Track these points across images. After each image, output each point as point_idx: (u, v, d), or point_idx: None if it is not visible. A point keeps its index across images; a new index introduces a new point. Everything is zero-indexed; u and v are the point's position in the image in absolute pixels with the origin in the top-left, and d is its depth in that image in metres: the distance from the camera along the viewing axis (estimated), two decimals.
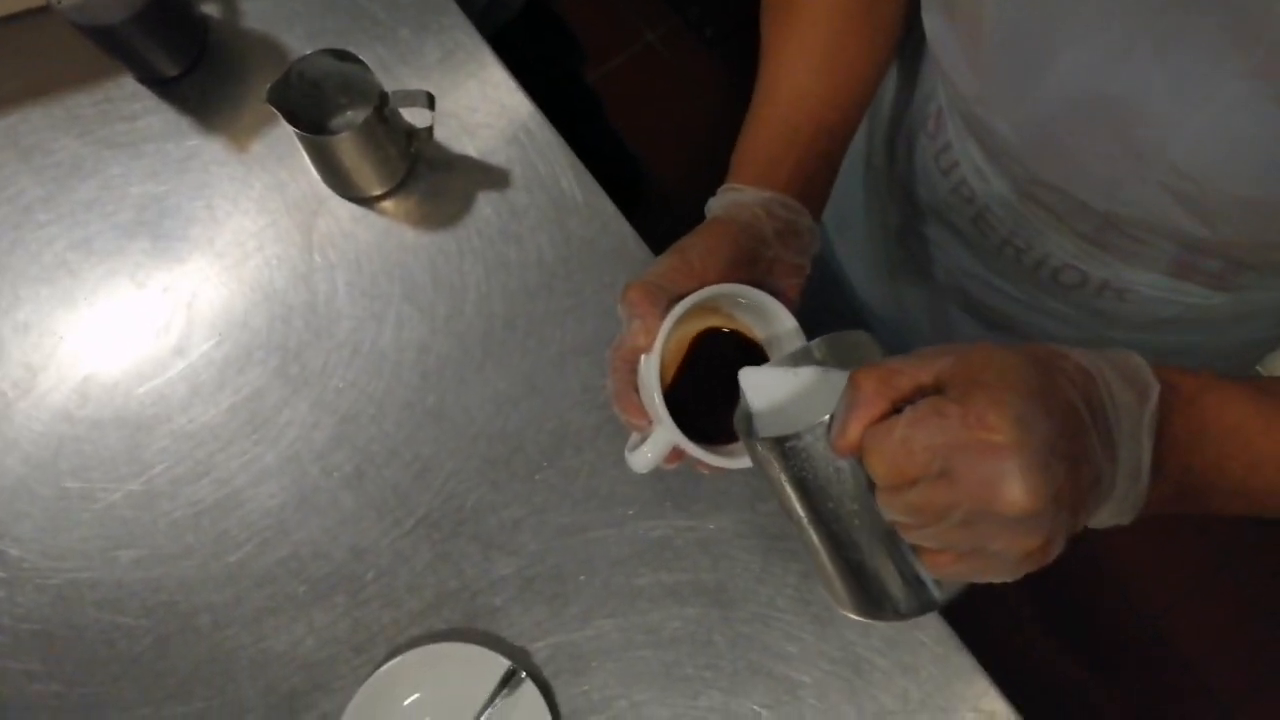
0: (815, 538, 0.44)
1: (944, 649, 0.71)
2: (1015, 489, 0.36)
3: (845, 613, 0.45)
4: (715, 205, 0.59)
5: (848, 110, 0.63)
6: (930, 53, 0.61)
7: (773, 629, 0.72)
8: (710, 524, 0.74)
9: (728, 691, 0.71)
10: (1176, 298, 0.65)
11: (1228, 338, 0.70)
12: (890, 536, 0.42)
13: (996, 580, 0.40)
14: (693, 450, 0.52)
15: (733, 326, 0.57)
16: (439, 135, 0.82)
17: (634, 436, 0.55)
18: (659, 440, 0.52)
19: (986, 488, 0.36)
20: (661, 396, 0.51)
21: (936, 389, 0.39)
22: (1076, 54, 0.50)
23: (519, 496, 0.74)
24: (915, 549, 0.42)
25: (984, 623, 0.74)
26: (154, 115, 0.84)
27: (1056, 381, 0.39)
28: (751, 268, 0.55)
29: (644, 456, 0.53)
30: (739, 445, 0.55)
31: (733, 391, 0.56)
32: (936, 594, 0.43)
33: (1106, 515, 0.42)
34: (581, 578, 0.73)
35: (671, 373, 0.55)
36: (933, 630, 0.71)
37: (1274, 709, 1.51)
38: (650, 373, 0.51)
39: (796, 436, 0.42)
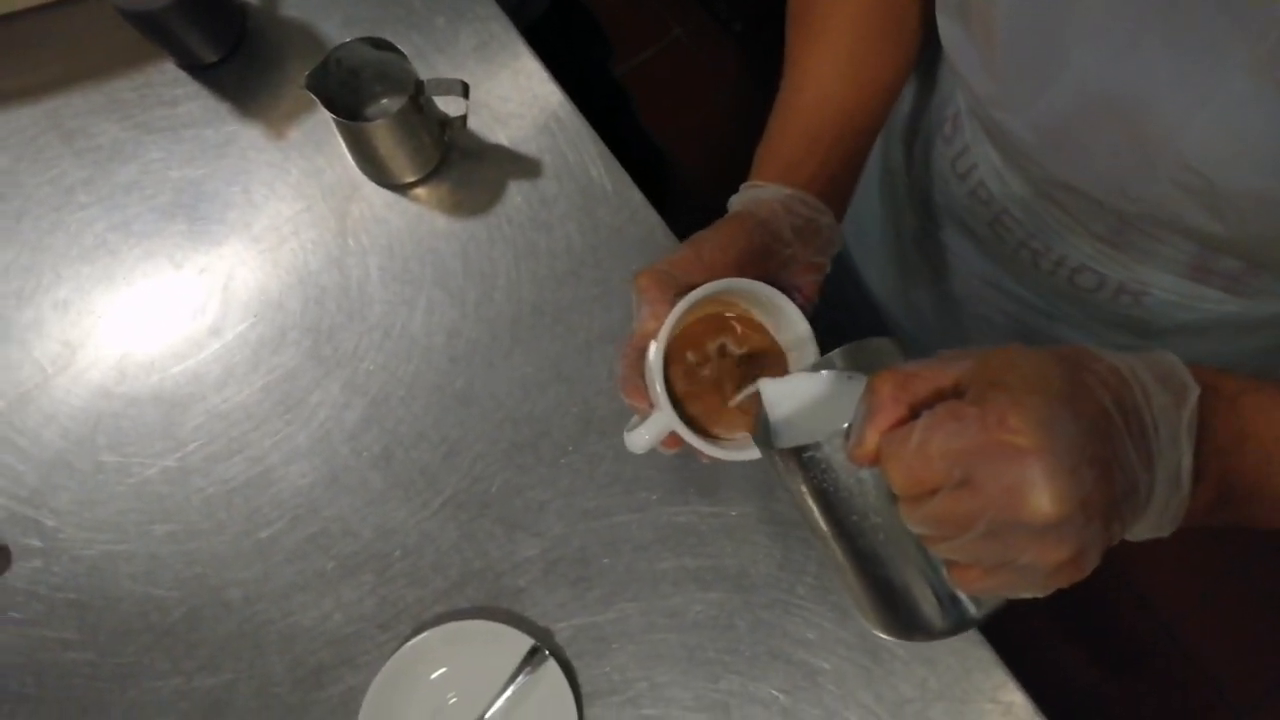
0: (840, 553, 0.43)
1: (963, 641, 0.71)
2: (1041, 495, 0.34)
3: (876, 632, 0.44)
4: (735, 201, 0.60)
5: (870, 116, 0.63)
6: (946, 57, 0.62)
7: (793, 615, 0.72)
8: (733, 510, 0.74)
9: (747, 676, 0.71)
10: (1193, 303, 0.65)
11: (1240, 346, 0.70)
12: (920, 551, 0.40)
13: (1028, 595, 0.39)
14: (689, 437, 0.53)
15: (748, 323, 0.58)
16: (472, 124, 0.83)
17: (635, 418, 0.56)
18: (656, 424, 0.53)
19: (1010, 495, 0.34)
20: (663, 382, 0.52)
21: (957, 393, 0.37)
22: (1086, 52, 0.50)
23: (544, 480, 0.75)
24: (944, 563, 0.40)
25: (1000, 622, 0.74)
26: (193, 101, 0.85)
27: (1085, 383, 0.37)
28: (766, 263, 0.56)
29: (641, 438, 0.54)
30: (742, 437, 0.56)
31: (737, 385, 0.56)
32: (973, 611, 0.41)
33: (1145, 527, 0.40)
34: (605, 561, 0.74)
35: (683, 362, 0.56)
36: None
37: None
38: (655, 358, 0.52)
39: (815, 446, 0.41)
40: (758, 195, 0.58)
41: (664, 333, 0.51)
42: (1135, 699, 1.53)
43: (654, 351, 0.52)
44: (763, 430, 0.48)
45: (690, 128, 1.77)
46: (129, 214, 0.82)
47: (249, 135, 0.84)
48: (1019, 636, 0.78)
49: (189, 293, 0.81)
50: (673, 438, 0.54)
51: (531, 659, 0.70)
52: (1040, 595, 0.38)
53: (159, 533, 0.75)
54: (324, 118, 0.79)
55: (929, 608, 0.41)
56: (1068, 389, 0.36)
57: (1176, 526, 0.40)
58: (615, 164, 0.82)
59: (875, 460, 0.38)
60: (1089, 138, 0.54)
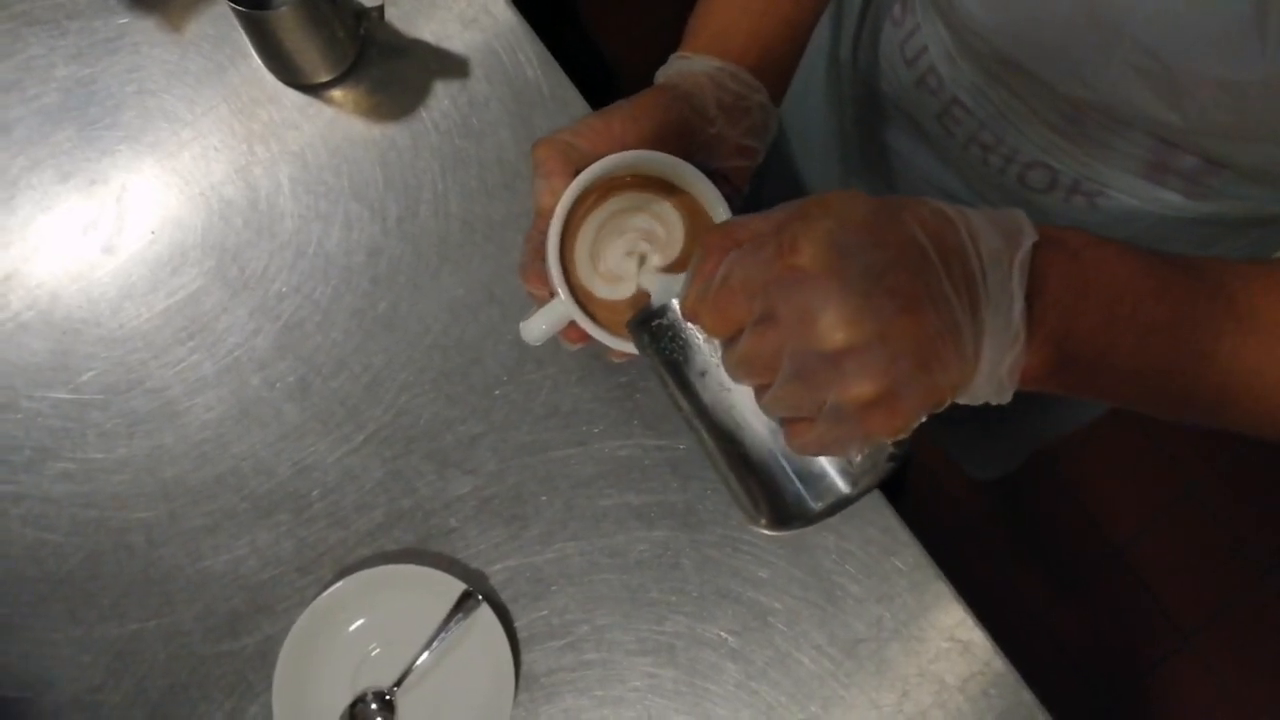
0: (706, 437, 0.41)
1: (922, 576, 0.68)
2: (828, 317, 0.33)
3: (757, 529, 0.42)
4: (661, 74, 0.56)
5: None
6: None
7: (743, 553, 0.69)
8: (680, 444, 0.71)
9: (694, 617, 0.68)
10: (1149, 206, 0.62)
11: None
12: (773, 423, 0.38)
13: (855, 449, 0.38)
14: (586, 325, 0.49)
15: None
16: (391, 15, 0.76)
17: (534, 306, 0.52)
18: (551, 312, 0.49)
19: (802, 320, 0.34)
20: (559, 264, 0.48)
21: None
22: None
23: (477, 412, 0.71)
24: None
25: (951, 548, 0.71)
26: None
27: (899, 217, 0.36)
28: (686, 141, 0.51)
29: (536, 327, 0.50)
30: None
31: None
32: (841, 485, 0.39)
33: (981, 387, 0.38)
34: (543, 498, 0.70)
35: (600, 245, 0.51)
36: (910, 558, 0.69)
37: (1230, 636, 1.53)
38: (551, 239, 0.48)
39: (659, 312, 0.40)
40: (683, 67, 0.54)
41: (560, 210, 0.47)
42: (1083, 621, 1.55)
43: (551, 231, 0.48)
44: (640, 313, 0.45)
45: (637, 35, 1.68)
46: (9, 117, 0.76)
47: (143, 28, 0.77)
48: (968, 557, 0.77)
49: (79, 206, 0.74)
50: (576, 330, 0.50)
51: (463, 604, 0.66)
52: (864, 448, 0.38)
53: (52, 472, 0.70)
54: (225, 9, 0.72)
55: (795, 485, 0.40)
56: (872, 219, 0.36)
57: (1014, 387, 0.38)
58: (553, 64, 0.77)
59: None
60: (1041, 12, 0.50)
